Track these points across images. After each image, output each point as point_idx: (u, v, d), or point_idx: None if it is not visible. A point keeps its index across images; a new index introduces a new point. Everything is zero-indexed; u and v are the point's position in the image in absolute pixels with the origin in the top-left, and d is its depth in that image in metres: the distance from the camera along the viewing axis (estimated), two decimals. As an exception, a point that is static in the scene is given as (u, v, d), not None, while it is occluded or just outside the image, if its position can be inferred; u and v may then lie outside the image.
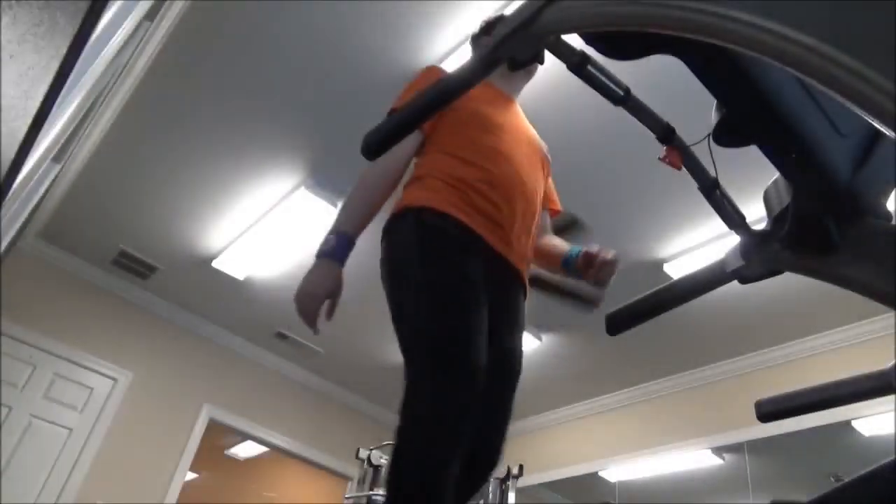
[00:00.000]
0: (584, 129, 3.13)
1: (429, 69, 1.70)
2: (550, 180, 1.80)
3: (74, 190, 4.28)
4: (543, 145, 1.77)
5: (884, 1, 0.39)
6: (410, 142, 1.54)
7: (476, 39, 1.91)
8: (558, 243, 1.70)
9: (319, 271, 1.40)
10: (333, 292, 1.40)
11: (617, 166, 3.30)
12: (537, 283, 1.73)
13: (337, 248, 1.41)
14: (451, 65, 2.87)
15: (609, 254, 1.52)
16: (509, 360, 1.47)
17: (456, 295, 1.34)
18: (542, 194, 1.70)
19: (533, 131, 1.77)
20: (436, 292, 1.34)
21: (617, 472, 5.03)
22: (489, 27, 1.86)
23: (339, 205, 3.83)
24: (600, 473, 5.11)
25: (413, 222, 1.44)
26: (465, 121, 1.57)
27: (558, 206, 1.81)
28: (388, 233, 1.48)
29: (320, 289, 1.39)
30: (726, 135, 0.77)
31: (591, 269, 1.54)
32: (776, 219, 0.79)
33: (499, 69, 0.72)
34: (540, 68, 2.06)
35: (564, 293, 1.72)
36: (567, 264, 1.61)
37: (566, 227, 1.84)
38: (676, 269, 3.79)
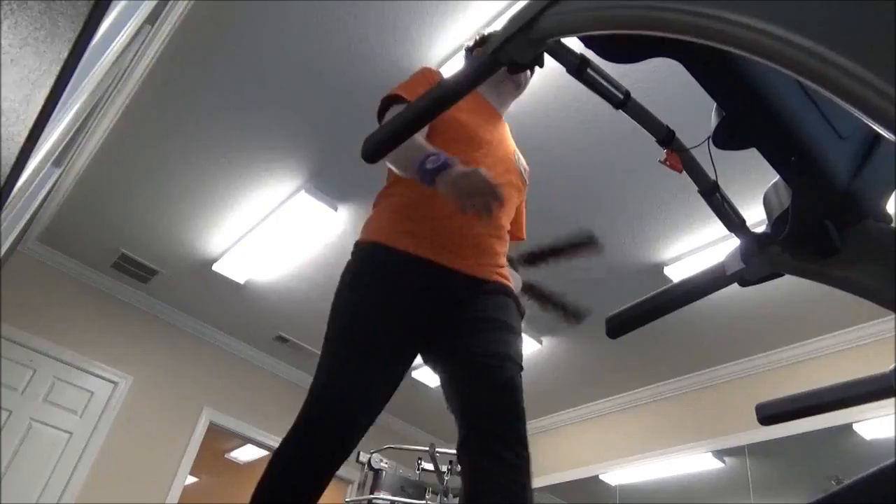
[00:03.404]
0: (584, 132, 3.14)
1: (424, 70, 1.65)
2: (523, 206, 1.74)
3: (75, 193, 4.29)
4: (525, 167, 1.72)
5: (884, 2, 0.39)
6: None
7: (470, 52, 1.88)
8: None
9: (453, 169, 1.25)
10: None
11: (617, 169, 3.30)
12: (529, 290, 1.71)
13: (447, 157, 1.29)
14: (453, 67, 2.87)
15: None
16: (491, 362, 1.39)
17: (354, 353, 1.36)
18: (512, 219, 1.66)
19: (515, 150, 1.72)
20: (341, 344, 1.39)
21: (618, 475, 5.02)
22: (483, 41, 1.82)
23: (340, 205, 3.83)
24: (601, 477, 5.10)
25: (353, 262, 1.47)
26: (451, 132, 1.54)
27: (523, 236, 1.76)
28: (348, 263, 1.51)
29: (464, 168, 1.25)
30: (726, 138, 0.77)
31: None
32: (776, 221, 0.79)
33: (489, 82, 0.72)
34: (540, 71, 2.06)
35: (551, 304, 1.72)
36: None
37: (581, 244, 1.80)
38: (677, 273, 3.79)
